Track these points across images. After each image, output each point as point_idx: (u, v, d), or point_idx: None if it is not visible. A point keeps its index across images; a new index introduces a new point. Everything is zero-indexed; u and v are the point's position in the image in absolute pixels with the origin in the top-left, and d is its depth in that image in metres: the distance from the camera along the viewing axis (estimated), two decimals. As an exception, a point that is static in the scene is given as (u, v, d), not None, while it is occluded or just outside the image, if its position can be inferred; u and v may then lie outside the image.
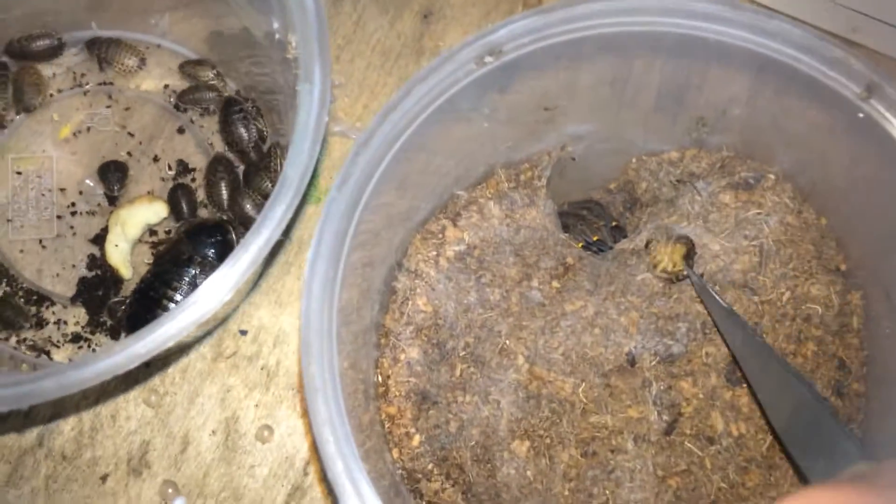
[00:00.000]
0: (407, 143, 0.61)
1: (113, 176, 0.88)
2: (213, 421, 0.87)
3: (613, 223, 0.81)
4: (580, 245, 0.78)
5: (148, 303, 0.81)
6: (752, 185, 0.73)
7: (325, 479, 0.83)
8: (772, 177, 0.73)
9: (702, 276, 0.71)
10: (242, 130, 0.87)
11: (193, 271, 0.79)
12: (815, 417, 0.57)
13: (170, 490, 0.84)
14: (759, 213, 0.72)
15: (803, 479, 0.66)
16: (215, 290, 0.56)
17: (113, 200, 0.88)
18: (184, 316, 0.54)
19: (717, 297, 0.68)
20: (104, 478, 0.85)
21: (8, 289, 0.86)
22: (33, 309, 0.86)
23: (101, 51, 0.90)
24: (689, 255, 0.70)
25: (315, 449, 0.78)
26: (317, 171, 0.92)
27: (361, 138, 0.58)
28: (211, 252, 0.79)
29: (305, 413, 0.84)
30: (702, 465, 0.68)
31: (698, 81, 0.71)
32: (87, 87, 0.92)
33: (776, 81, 0.67)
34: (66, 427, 0.86)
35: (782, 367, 0.61)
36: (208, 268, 0.80)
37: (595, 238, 0.80)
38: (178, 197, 0.87)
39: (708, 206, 0.73)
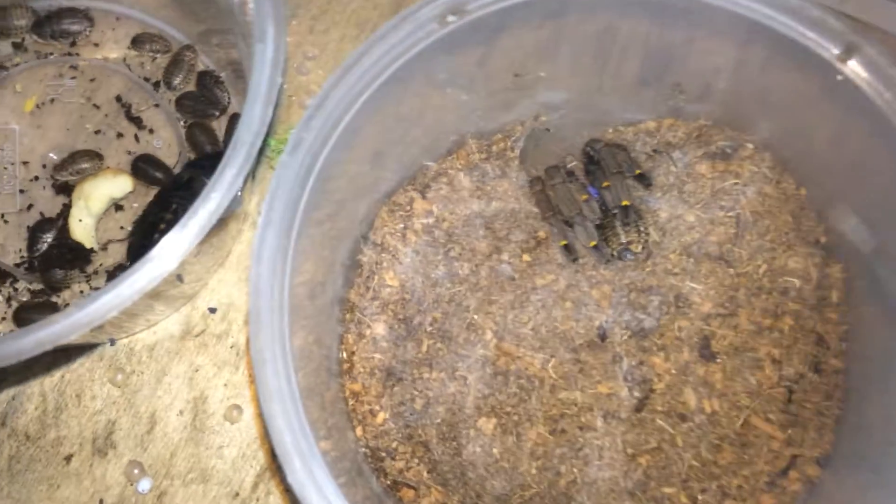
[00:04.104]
0: (366, 107, 0.58)
1: (42, 234, 0.84)
2: (181, 401, 0.84)
3: (637, 171, 0.74)
4: (584, 197, 0.74)
5: (147, 228, 0.80)
6: (729, 154, 0.70)
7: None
8: (750, 146, 0.71)
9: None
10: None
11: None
12: None
13: (136, 471, 0.82)
14: (736, 184, 0.69)
15: None
16: (162, 256, 0.53)
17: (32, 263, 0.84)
18: (126, 285, 0.52)
19: None
20: (69, 458, 0.83)
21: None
22: (-5, 285, 0.84)
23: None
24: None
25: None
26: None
27: (316, 100, 0.56)
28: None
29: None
30: (673, 443, 0.65)
31: (683, 49, 0.69)
32: (51, 57, 0.89)
33: (757, 45, 0.64)
34: (31, 406, 0.84)
35: None
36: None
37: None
38: (141, 168, 0.84)
39: (683, 176, 0.71)
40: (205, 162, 0.83)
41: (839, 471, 0.67)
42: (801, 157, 0.70)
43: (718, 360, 0.67)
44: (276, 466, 0.82)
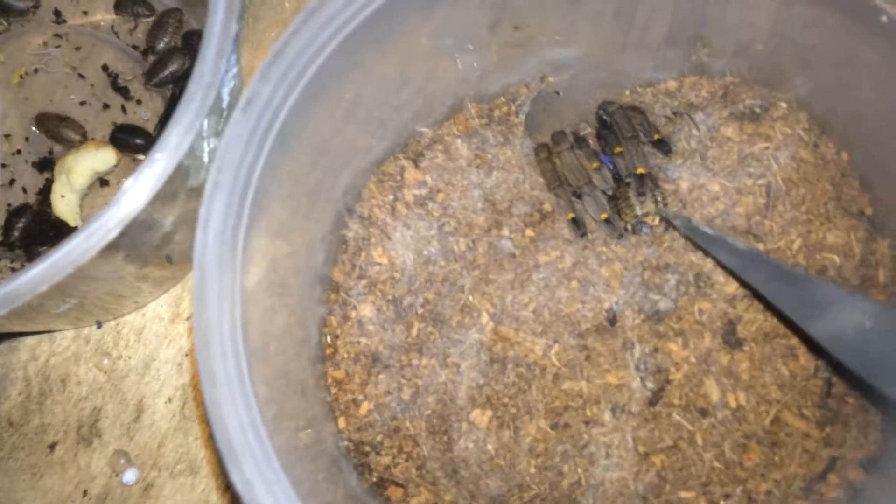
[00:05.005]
0: (338, 58, 0.52)
1: (17, 221, 0.78)
2: (170, 387, 0.80)
3: (655, 136, 0.66)
4: (594, 165, 0.66)
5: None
6: (758, 115, 0.62)
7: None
8: (783, 105, 0.62)
9: (689, 219, 0.60)
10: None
11: None
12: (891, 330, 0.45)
13: (122, 461, 0.77)
14: (766, 148, 0.61)
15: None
16: (102, 226, 0.47)
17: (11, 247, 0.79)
18: (49, 263, 0.46)
19: (722, 238, 0.57)
20: (52, 446, 0.78)
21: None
22: (-23, 264, 0.80)
23: None
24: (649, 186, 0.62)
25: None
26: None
27: (275, 48, 0.49)
28: None
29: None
30: (692, 441, 0.57)
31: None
32: (33, 23, 0.85)
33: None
34: (14, 391, 0.80)
35: (829, 291, 0.50)
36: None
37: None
38: (120, 138, 0.79)
39: (707, 140, 0.62)
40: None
41: (886, 474, 0.58)
42: (843, 117, 0.61)
43: (745, 348, 0.59)
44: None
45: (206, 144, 0.56)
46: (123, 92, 0.83)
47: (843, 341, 0.49)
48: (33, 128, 0.82)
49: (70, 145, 0.80)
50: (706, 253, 0.60)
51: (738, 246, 0.56)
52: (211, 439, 0.78)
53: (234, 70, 0.58)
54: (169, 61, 0.79)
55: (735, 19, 0.62)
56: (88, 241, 0.47)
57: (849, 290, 0.52)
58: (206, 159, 0.58)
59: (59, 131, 0.80)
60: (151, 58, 0.83)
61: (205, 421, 0.79)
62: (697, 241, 0.60)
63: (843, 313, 0.48)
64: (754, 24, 0.61)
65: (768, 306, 0.59)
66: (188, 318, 0.81)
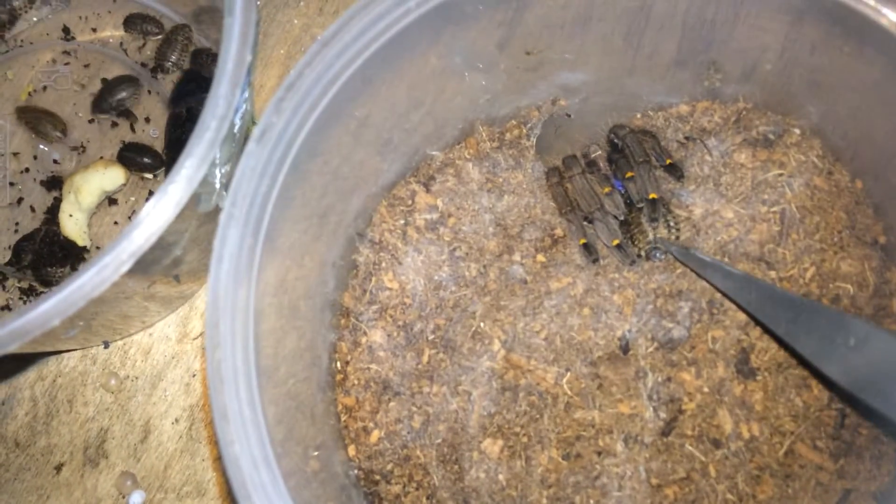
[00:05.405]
0: (350, 88, 0.51)
1: (27, 247, 0.78)
2: (177, 408, 0.79)
3: (668, 161, 0.65)
4: (606, 190, 0.66)
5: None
6: (772, 141, 0.62)
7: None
8: (797, 131, 0.62)
9: (687, 249, 0.60)
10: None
11: None
12: (881, 352, 0.46)
13: (128, 482, 0.77)
14: (780, 175, 0.60)
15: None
16: (112, 260, 0.47)
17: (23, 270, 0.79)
18: (69, 293, 0.46)
19: (717, 262, 0.57)
20: (59, 467, 0.78)
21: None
22: (-16, 284, 0.79)
23: None
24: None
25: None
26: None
27: (288, 80, 0.49)
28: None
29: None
30: (705, 473, 0.57)
31: (726, 25, 0.61)
32: (45, 41, 0.84)
33: (810, 17, 0.56)
34: (21, 412, 0.80)
35: (817, 311, 0.51)
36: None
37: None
38: (128, 156, 0.79)
39: (720, 166, 0.62)
40: (190, 86, 0.79)
41: (900, 506, 0.58)
42: (856, 144, 0.61)
43: (758, 378, 0.59)
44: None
45: (218, 171, 0.56)
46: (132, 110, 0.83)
47: (831, 358, 0.49)
48: (42, 146, 0.82)
49: (48, 140, 0.80)
50: (699, 275, 0.60)
51: (731, 270, 0.57)
52: (217, 461, 0.78)
53: (245, 94, 0.58)
54: (117, 88, 0.80)
55: (744, 40, 0.62)
56: (101, 274, 0.47)
57: (836, 310, 0.52)
58: (217, 185, 0.58)
59: (38, 125, 0.80)
60: (160, 76, 0.83)
61: (212, 442, 0.79)
62: (693, 266, 0.60)
63: (831, 332, 0.49)
64: (763, 45, 0.61)
65: (766, 329, 0.58)
66: (196, 338, 0.81)
